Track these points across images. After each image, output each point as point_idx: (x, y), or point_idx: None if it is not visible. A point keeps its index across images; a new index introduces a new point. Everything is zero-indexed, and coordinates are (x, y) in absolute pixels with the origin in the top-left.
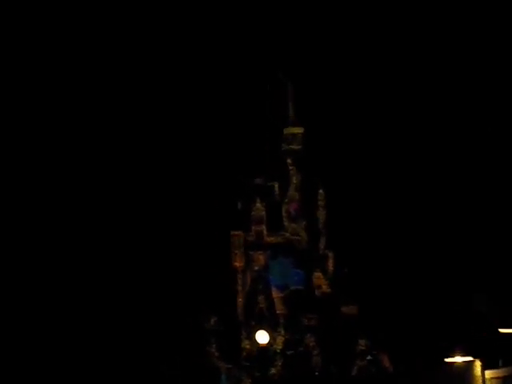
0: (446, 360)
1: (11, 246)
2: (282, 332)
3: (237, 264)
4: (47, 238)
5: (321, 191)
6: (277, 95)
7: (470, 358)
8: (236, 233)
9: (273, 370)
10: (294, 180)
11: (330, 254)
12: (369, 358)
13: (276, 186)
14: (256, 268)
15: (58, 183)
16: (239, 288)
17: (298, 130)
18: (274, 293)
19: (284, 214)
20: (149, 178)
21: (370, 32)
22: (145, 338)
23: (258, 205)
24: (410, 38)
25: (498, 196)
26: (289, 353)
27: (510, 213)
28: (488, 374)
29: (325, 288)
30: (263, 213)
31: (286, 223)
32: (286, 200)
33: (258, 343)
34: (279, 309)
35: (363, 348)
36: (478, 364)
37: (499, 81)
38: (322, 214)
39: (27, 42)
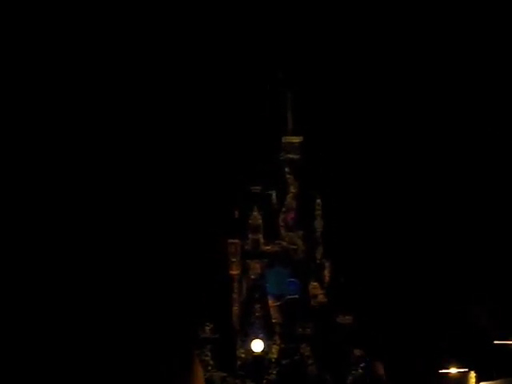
0: (441, 371)
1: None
2: (278, 341)
3: (233, 272)
4: (37, 241)
5: (318, 201)
6: (276, 103)
7: (464, 370)
8: (233, 241)
9: (268, 379)
10: (292, 189)
11: (327, 264)
12: (362, 364)
13: (273, 194)
14: (252, 276)
15: (49, 184)
16: (235, 296)
17: (297, 139)
18: (269, 301)
19: (281, 222)
20: (146, 185)
21: (368, 42)
22: (138, 345)
23: (255, 213)
24: (409, 48)
25: (495, 211)
26: (284, 362)
27: (507, 227)
28: None
29: (321, 298)
30: (260, 221)
31: (282, 232)
32: (284, 209)
33: (253, 352)
34: (275, 318)
35: (358, 357)
36: (472, 375)
37: (499, 81)
38: (319, 224)
39: (27, 42)
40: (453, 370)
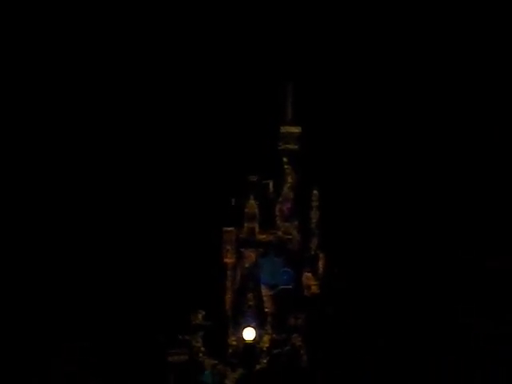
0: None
1: None
2: (269, 330)
3: (227, 260)
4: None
5: (315, 191)
6: (275, 93)
7: None
8: (228, 229)
9: (258, 368)
10: (289, 179)
11: (321, 255)
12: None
13: (271, 184)
14: (246, 265)
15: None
16: (229, 284)
17: (296, 130)
18: (263, 291)
19: (277, 212)
20: (141, 174)
21: (368, 31)
22: (133, 332)
23: (252, 202)
24: (408, 38)
25: (483, 208)
26: (275, 351)
27: (494, 227)
28: None
29: (314, 289)
30: (256, 210)
31: (278, 222)
32: (280, 199)
33: (244, 340)
34: (267, 307)
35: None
36: None
37: (499, 82)
38: (315, 215)
39: (27, 42)
40: None
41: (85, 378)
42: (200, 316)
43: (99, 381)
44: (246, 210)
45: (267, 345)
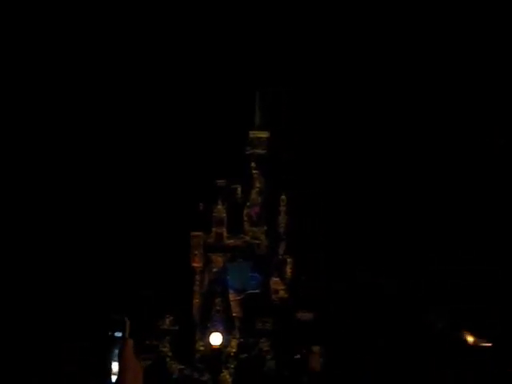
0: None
1: None
2: (237, 335)
3: (195, 265)
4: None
5: (283, 196)
6: (244, 99)
7: None
8: (196, 234)
9: (225, 373)
10: (257, 184)
11: (289, 260)
12: (297, 356)
13: (239, 188)
14: (214, 270)
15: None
16: (196, 289)
17: (264, 135)
18: (230, 295)
19: (245, 217)
20: (112, 177)
21: (340, 39)
22: (99, 336)
23: (220, 207)
24: (380, 46)
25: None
26: (243, 356)
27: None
28: None
29: (282, 293)
30: (224, 215)
31: (246, 227)
32: (248, 203)
33: (211, 345)
34: (235, 312)
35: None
36: None
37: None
38: (283, 220)
39: (27, 42)
40: None
41: (85, 378)
42: (168, 321)
43: (99, 381)
44: (214, 215)
45: (235, 349)
